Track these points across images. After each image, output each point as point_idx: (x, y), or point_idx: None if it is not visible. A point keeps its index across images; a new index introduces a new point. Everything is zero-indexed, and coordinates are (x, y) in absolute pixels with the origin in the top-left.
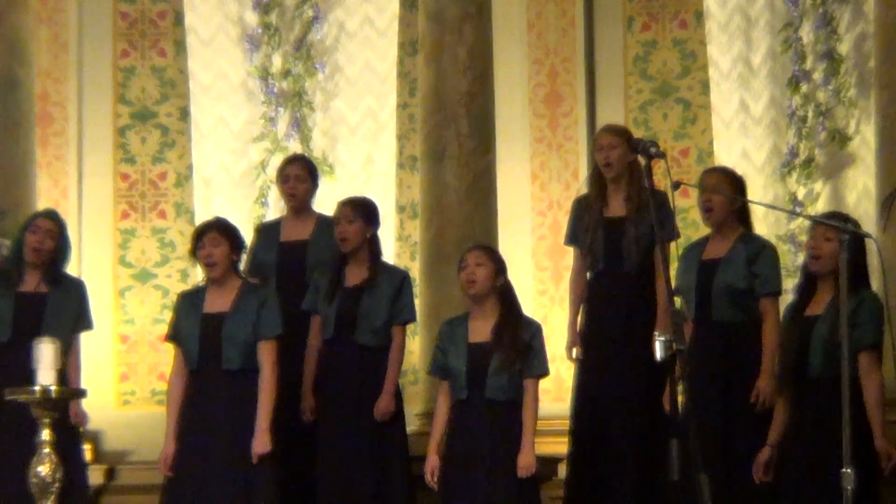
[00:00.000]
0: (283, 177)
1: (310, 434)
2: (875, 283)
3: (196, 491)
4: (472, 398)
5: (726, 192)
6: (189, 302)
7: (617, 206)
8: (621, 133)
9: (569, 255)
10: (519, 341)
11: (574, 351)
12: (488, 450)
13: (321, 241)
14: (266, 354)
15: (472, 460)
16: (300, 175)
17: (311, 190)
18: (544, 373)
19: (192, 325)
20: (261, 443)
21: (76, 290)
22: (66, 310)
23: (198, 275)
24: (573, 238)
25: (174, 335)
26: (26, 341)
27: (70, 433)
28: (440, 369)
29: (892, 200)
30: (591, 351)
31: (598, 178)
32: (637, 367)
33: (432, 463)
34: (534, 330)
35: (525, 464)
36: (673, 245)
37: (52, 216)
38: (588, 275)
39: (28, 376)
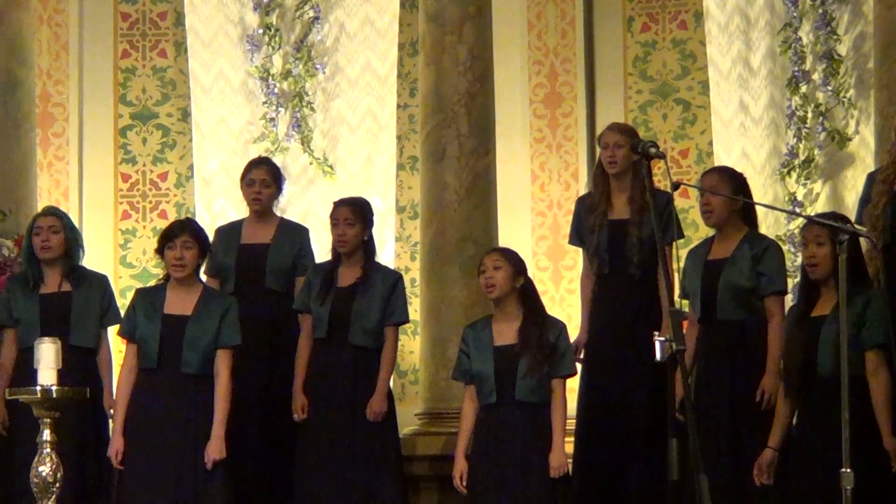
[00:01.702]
0: (248, 181)
1: (282, 438)
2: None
3: (148, 491)
4: (501, 401)
5: (725, 192)
6: (148, 301)
7: (621, 208)
8: (628, 132)
9: (569, 255)
10: (545, 342)
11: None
12: (520, 452)
13: (282, 246)
14: (224, 362)
15: (503, 463)
16: (265, 180)
17: (275, 194)
18: (572, 372)
19: (153, 325)
20: (216, 449)
21: (100, 285)
22: (91, 306)
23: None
24: (576, 238)
25: (130, 332)
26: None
27: (102, 432)
28: (465, 374)
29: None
30: (596, 353)
31: (602, 179)
32: (643, 369)
33: (461, 467)
34: (559, 329)
35: (557, 463)
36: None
37: (51, 212)
38: (594, 276)
39: (59, 378)
